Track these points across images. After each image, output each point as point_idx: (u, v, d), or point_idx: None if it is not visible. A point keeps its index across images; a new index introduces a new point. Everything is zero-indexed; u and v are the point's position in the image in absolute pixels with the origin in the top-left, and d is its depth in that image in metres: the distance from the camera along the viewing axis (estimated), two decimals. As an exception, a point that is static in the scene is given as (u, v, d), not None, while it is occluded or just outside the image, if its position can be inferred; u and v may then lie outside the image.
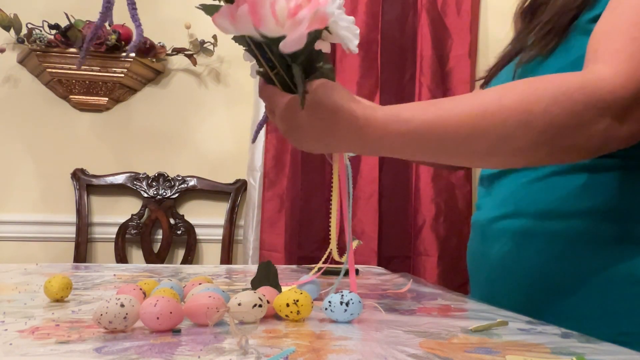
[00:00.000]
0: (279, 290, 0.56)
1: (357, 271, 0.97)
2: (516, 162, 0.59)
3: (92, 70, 1.78)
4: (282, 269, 1.03)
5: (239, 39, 0.52)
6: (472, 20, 1.90)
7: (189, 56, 1.87)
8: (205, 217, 1.90)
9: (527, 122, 0.49)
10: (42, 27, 1.76)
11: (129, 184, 1.86)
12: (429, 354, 0.39)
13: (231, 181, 1.91)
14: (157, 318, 0.43)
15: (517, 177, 0.70)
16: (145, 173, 1.87)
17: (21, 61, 1.81)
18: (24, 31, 1.76)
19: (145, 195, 1.86)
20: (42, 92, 1.86)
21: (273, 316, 0.52)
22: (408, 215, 1.85)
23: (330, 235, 0.60)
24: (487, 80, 0.81)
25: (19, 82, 1.85)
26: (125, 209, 1.87)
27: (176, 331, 0.44)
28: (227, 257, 1.84)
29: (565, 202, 0.64)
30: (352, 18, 0.51)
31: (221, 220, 1.87)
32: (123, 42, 1.79)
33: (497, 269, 0.71)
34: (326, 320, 0.51)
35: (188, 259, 1.85)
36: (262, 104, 0.60)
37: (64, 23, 1.75)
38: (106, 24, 1.83)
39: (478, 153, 0.53)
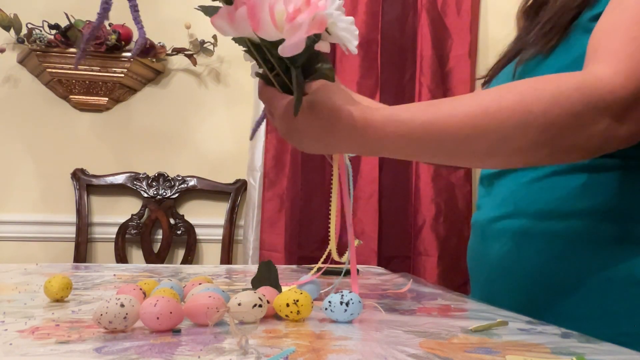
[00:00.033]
0: (279, 290, 0.56)
1: (357, 271, 0.97)
2: (516, 163, 0.59)
3: (92, 70, 1.78)
4: (282, 269, 1.03)
5: (238, 40, 0.52)
6: (472, 20, 1.90)
7: (189, 56, 1.87)
8: (205, 217, 1.90)
9: (527, 123, 0.49)
10: (42, 27, 1.76)
11: (129, 184, 1.86)
12: (429, 354, 0.39)
13: (231, 181, 1.91)
14: (157, 318, 0.43)
15: (517, 177, 0.70)
16: (145, 173, 1.87)
17: (21, 61, 1.81)
18: (24, 31, 1.76)
19: (145, 195, 1.86)
20: (42, 92, 1.86)
21: (273, 316, 0.52)
22: (408, 215, 1.85)
23: (330, 235, 0.60)
24: (489, 79, 0.81)
25: (19, 82, 1.85)
26: (125, 209, 1.87)
27: (176, 331, 0.44)
28: (227, 257, 1.85)
29: (565, 202, 0.64)
30: (351, 18, 0.51)
31: (221, 220, 1.87)
32: (123, 42, 1.79)
33: (497, 269, 0.71)
34: (326, 320, 0.51)
35: (188, 259, 1.85)
36: (262, 104, 0.60)
37: (64, 23, 1.75)
38: (106, 24, 1.83)
39: (478, 154, 0.53)
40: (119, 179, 1.86)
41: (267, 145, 1.84)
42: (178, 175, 1.89)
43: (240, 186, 1.90)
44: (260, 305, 0.46)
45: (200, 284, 0.59)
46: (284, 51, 0.46)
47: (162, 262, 1.82)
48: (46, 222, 1.83)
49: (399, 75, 1.89)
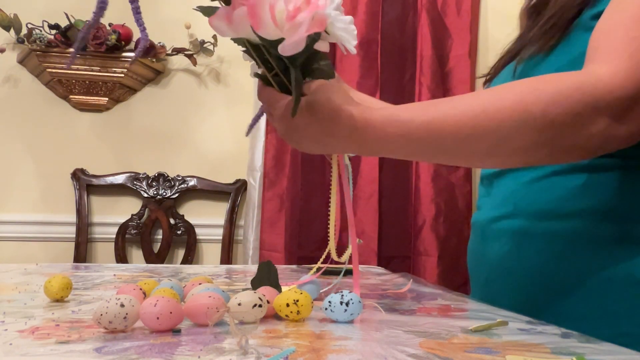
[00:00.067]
0: (279, 290, 0.56)
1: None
2: (516, 162, 0.59)
3: (92, 70, 1.78)
4: (282, 269, 1.03)
5: (237, 40, 0.52)
6: (472, 20, 1.90)
7: (189, 56, 1.87)
8: (205, 217, 1.90)
9: (526, 123, 0.49)
10: (42, 27, 1.76)
11: (129, 184, 1.86)
12: (429, 354, 0.39)
13: (231, 181, 1.91)
14: (157, 318, 0.43)
15: (516, 177, 0.70)
16: (145, 173, 1.87)
17: (21, 61, 1.81)
18: (24, 31, 1.76)
19: (145, 195, 1.86)
20: (42, 92, 1.86)
21: (273, 316, 0.52)
22: (408, 215, 1.85)
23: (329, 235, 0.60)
24: (490, 78, 0.81)
25: (19, 82, 1.85)
26: (125, 209, 1.87)
27: (176, 331, 0.44)
28: (227, 257, 1.84)
29: (565, 202, 0.64)
30: (350, 18, 0.51)
31: (221, 220, 1.87)
32: (123, 42, 1.79)
33: (497, 269, 0.71)
34: (326, 320, 0.51)
35: (188, 259, 1.85)
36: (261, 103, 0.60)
37: (64, 23, 1.75)
38: (106, 24, 1.83)
39: (477, 154, 0.53)
40: (119, 179, 1.86)
41: (267, 145, 1.84)
42: (178, 175, 1.89)
43: (240, 186, 1.90)
44: (260, 305, 0.46)
45: (200, 284, 0.59)
46: (284, 50, 0.46)
47: (162, 262, 1.82)
48: (46, 222, 1.83)
49: (399, 75, 1.88)
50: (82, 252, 1.79)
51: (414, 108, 0.53)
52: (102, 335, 0.42)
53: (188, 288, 0.59)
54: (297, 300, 0.49)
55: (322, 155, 0.61)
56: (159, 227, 1.87)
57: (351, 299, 0.50)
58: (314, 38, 0.49)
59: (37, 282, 0.73)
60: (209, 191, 1.90)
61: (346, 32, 0.50)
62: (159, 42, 1.83)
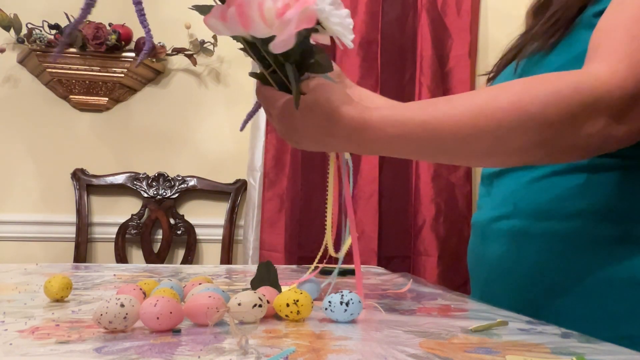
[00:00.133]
0: (279, 290, 0.56)
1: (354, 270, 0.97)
2: (516, 162, 0.59)
3: (92, 70, 1.78)
4: (282, 269, 1.03)
5: (236, 37, 0.53)
6: (472, 20, 1.90)
7: (189, 56, 1.87)
8: (205, 217, 1.90)
9: (524, 123, 0.49)
10: (42, 27, 1.76)
11: (129, 184, 1.86)
12: (429, 354, 0.39)
13: (231, 181, 1.91)
14: (157, 318, 0.43)
15: (516, 177, 0.70)
16: (145, 173, 1.87)
17: (21, 61, 1.81)
18: (24, 31, 1.76)
19: (145, 195, 1.86)
20: (42, 92, 1.86)
21: (273, 316, 0.52)
22: (408, 215, 1.85)
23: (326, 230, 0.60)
24: (494, 76, 0.81)
25: (19, 82, 1.85)
26: (125, 209, 1.87)
27: (176, 331, 0.44)
28: (227, 257, 1.84)
29: (565, 202, 0.64)
30: (346, 11, 0.50)
31: (221, 220, 1.87)
32: (123, 42, 1.79)
33: (497, 269, 0.71)
34: (326, 320, 0.51)
35: (188, 259, 1.85)
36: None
37: (64, 23, 1.75)
38: (106, 24, 1.83)
39: (477, 153, 0.53)
40: (119, 179, 1.86)
41: (267, 145, 1.84)
42: (178, 175, 1.89)
43: (240, 186, 1.90)
44: (260, 305, 0.46)
45: (200, 284, 0.59)
46: (275, 47, 0.46)
47: (162, 262, 1.82)
48: (46, 222, 1.83)
49: (399, 75, 1.88)
50: (82, 252, 1.79)
51: (413, 108, 0.53)
52: (102, 335, 0.42)
53: (188, 288, 0.59)
54: (297, 300, 0.49)
55: (322, 155, 0.61)
56: (159, 227, 1.87)
57: (351, 299, 0.50)
58: (305, 34, 0.48)
59: (37, 282, 0.73)
60: (209, 191, 1.90)
61: (342, 26, 0.49)
62: (159, 42, 1.83)
